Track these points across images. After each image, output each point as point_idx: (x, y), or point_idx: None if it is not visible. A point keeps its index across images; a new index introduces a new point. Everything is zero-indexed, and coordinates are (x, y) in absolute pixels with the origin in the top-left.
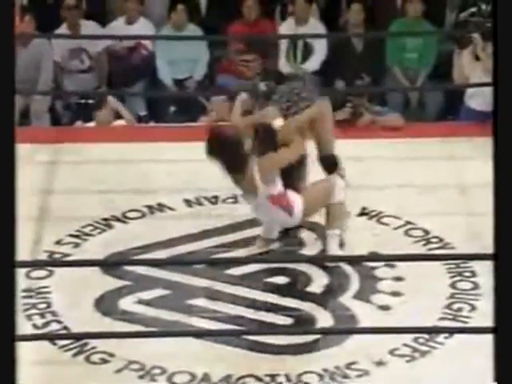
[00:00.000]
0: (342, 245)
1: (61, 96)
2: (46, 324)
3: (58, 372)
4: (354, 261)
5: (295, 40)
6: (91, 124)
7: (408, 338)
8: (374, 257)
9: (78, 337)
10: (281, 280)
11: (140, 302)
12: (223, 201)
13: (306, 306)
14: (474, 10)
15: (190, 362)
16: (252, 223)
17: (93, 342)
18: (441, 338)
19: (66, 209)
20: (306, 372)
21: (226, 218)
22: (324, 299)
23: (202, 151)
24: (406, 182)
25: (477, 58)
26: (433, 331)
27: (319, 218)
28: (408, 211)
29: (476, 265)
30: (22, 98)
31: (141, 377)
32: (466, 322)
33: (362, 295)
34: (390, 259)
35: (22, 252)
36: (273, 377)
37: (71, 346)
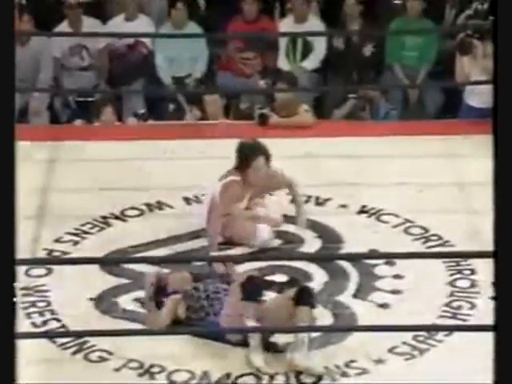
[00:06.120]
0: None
1: (60, 94)
2: (45, 322)
3: (57, 370)
4: (354, 258)
5: (295, 38)
6: (95, 124)
7: (407, 336)
8: (374, 255)
9: (76, 335)
10: (280, 278)
11: (139, 300)
12: None
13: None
14: (470, 12)
15: (189, 361)
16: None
17: (92, 340)
18: (440, 335)
19: (65, 207)
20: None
21: None
22: (323, 297)
23: (200, 149)
24: (405, 180)
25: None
26: (432, 329)
27: None
28: (407, 209)
29: (475, 262)
30: (21, 95)
31: (140, 375)
32: (465, 320)
33: (362, 293)
34: (390, 257)
35: (21, 250)
36: (272, 375)
37: (70, 344)
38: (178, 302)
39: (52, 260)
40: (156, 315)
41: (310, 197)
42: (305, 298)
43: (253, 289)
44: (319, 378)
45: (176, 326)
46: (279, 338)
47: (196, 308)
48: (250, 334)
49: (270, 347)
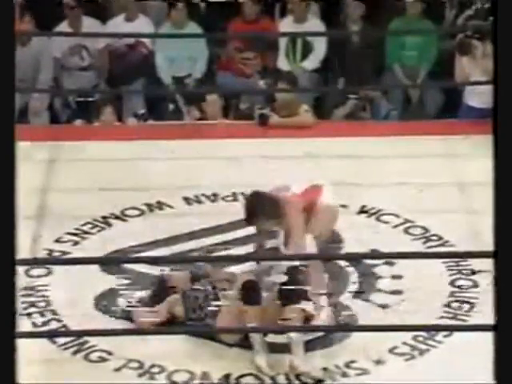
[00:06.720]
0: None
1: (60, 94)
2: (46, 322)
3: (57, 370)
4: (354, 258)
5: (295, 38)
6: (95, 124)
7: (407, 336)
8: (374, 255)
9: (76, 335)
10: (280, 278)
11: (139, 299)
12: (222, 198)
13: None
14: (470, 12)
15: (189, 361)
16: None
17: (92, 340)
18: (440, 336)
19: (65, 207)
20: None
21: (225, 215)
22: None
23: (200, 149)
24: (405, 180)
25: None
26: (432, 329)
27: None
28: (407, 209)
29: (475, 262)
30: (21, 95)
31: (140, 375)
32: (465, 321)
33: (362, 293)
34: (390, 257)
35: (22, 250)
36: (273, 376)
37: (70, 344)
38: (176, 302)
39: (52, 260)
40: (150, 313)
41: None
42: (287, 297)
43: (252, 292)
44: (319, 380)
45: (174, 326)
46: (274, 339)
47: (194, 309)
48: (252, 336)
49: (269, 348)
